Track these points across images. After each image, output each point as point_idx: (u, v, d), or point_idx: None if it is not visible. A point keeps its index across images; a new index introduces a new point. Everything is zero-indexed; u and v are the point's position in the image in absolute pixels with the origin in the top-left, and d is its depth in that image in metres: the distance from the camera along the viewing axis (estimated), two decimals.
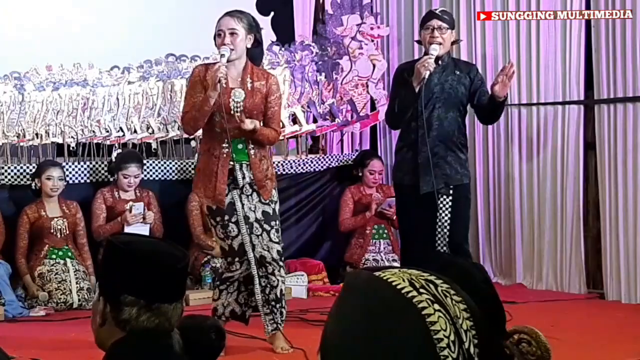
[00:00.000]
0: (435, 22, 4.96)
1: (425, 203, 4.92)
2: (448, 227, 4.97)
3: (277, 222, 4.51)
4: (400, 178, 5.13)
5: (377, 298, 1.13)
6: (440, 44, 4.92)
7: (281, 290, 4.48)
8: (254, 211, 4.43)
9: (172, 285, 2.03)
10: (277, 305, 4.47)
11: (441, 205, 4.98)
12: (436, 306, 1.10)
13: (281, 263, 4.49)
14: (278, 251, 4.46)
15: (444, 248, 4.98)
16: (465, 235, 5.25)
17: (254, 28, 4.41)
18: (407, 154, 5.03)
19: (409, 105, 4.93)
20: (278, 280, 4.46)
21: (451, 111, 5.01)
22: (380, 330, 1.10)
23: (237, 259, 4.44)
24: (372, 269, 1.20)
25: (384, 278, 1.14)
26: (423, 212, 4.93)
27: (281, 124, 4.81)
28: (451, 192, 5.00)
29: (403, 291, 1.11)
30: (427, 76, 4.82)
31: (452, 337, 1.09)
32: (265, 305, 4.47)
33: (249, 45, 4.40)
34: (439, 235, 4.98)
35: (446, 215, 4.99)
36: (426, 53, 4.98)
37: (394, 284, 1.12)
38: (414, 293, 1.11)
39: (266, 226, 4.44)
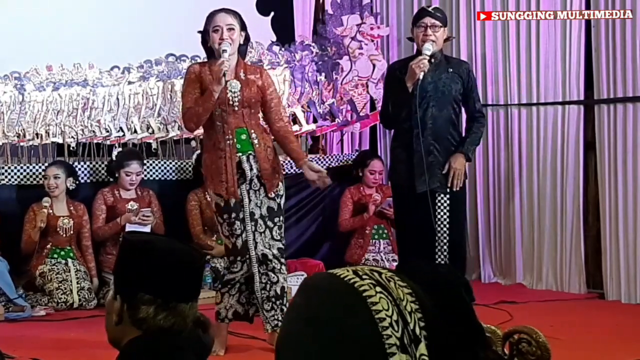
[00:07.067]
0: (429, 20, 4.96)
1: (423, 203, 4.91)
2: (447, 227, 4.97)
3: (281, 219, 4.51)
4: (396, 178, 5.14)
5: (320, 287, 1.15)
6: (434, 42, 4.92)
7: (282, 287, 4.48)
8: (259, 207, 4.44)
9: (188, 284, 2.04)
10: (278, 302, 4.46)
11: (439, 204, 4.98)
12: (378, 289, 1.11)
13: (282, 260, 4.49)
14: (279, 248, 4.47)
15: (444, 247, 4.98)
16: (463, 234, 5.26)
17: (244, 25, 4.49)
18: (402, 154, 5.03)
19: (403, 105, 4.93)
20: (278, 277, 4.46)
21: (445, 109, 5.02)
22: (321, 315, 1.11)
23: (239, 258, 4.44)
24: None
25: (331, 272, 1.16)
26: (421, 212, 4.92)
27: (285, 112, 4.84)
28: (448, 190, 5.00)
29: (346, 279, 1.12)
30: (421, 77, 4.83)
31: (395, 317, 1.09)
32: (266, 302, 4.47)
33: (241, 42, 4.47)
34: (439, 235, 4.97)
35: (445, 214, 4.99)
36: (419, 51, 4.98)
37: (337, 274, 1.14)
38: (356, 279, 1.12)
39: (270, 223, 4.45)
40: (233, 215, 4.41)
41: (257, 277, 4.46)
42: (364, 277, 1.12)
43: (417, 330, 1.10)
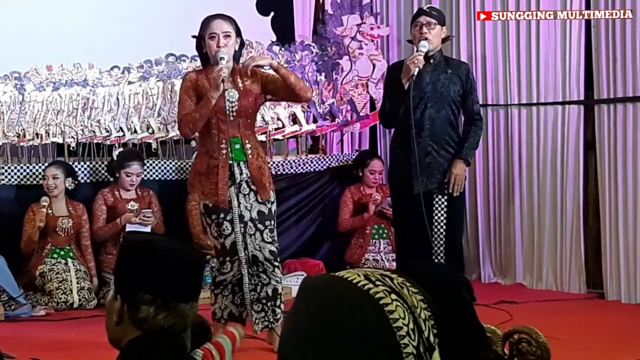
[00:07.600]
0: (424, 19, 4.99)
1: (420, 203, 4.91)
2: (444, 227, 4.97)
3: (272, 222, 4.49)
4: (394, 178, 5.15)
5: (333, 293, 1.12)
6: (428, 39, 4.94)
7: (275, 289, 4.47)
8: (249, 210, 4.43)
9: (189, 284, 2.04)
10: (269, 304, 4.46)
11: (436, 205, 4.99)
12: (393, 296, 1.10)
13: (275, 263, 4.47)
14: (271, 251, 4.45)
15: (441, 248, 4.98)
16: (460, 235, 5.26)
17: (240, 31, 4.47)
18: (401, 153, 5.04)
19: (400, 103, 4.93)
20: (270, 278, 4.45)
21: (443, 110, 5.03)
22: (338, 323, 1.09)
23: (228, 259, 4.44)
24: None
25: (340, 275, 1.14)
26: (418, 212, 4.92)
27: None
28: (446, 191, 5.01)
29: (359, 284, 1.11)
30: (416, 73, 4.83)
31: (411, 326, 1.08)
32: (255, 303, 4.47)
33: (237, 48, 4.45)
34: (435, 236, 4.98)
35: (442, 215, 4.99)
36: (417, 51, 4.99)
37: (349, 279, 1.12)
38: (370, 285, 1.10)
39: (260, 226, 4.43)
40: (221, 215, 4.41)
41: (245, 279, 4.45)
42: (378, 283, 1.11)
43: (432, 338, 1.09)
